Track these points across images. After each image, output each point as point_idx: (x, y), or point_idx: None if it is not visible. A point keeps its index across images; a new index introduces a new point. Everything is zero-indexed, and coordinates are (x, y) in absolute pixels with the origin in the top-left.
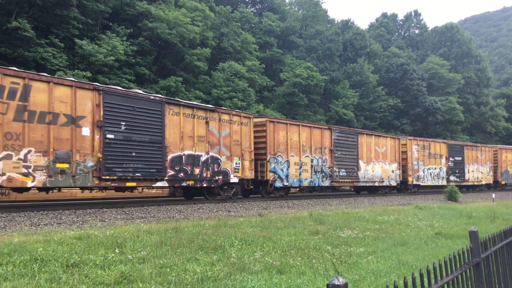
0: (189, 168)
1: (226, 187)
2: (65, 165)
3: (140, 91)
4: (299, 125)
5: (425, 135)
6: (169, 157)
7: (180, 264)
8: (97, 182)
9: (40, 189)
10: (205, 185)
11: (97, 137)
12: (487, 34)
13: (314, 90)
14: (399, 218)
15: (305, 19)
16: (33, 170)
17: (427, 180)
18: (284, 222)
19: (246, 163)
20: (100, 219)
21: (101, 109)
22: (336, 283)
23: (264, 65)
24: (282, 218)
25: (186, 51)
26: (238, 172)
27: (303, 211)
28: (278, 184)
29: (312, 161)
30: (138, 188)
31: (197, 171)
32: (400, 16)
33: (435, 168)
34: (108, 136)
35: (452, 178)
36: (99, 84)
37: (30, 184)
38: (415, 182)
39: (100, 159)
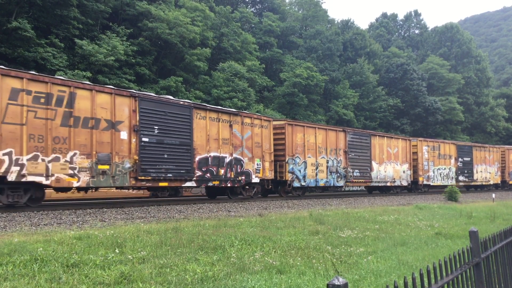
0: (214, 169)
1: (247, 187)
2: (106, 167)
3: (171, 97)
4: (315, 127)
5: (425, 135)
6: (197, 158)
7: (180, 264)
8: (133, 182)
9: (81, 189)
10: (229, 185)
11: (133, 140)
12: (487, 34)
13: (314, 90)
14: (399, 218)
15: (305, 19)
16: (78, 171)
17: (437, 180)
18: (284, 222)
19: (267, 164)
20: (100, 219)
21: (137, 114)
22: (336, 283)
23: (264, 65)
24: (282, 218)
25: (186, 51)
26: (259, 172)
27: (303, 211)
28: (296, 184)
29: (327, 162)
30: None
31: (222, 171)
32: (400, 16)
33: (445, 169)
34: (143, 139)
35: (461, 178)
36: (135, 91)
37: (75, 184)
38: (425, 182)
39: (137, 161)
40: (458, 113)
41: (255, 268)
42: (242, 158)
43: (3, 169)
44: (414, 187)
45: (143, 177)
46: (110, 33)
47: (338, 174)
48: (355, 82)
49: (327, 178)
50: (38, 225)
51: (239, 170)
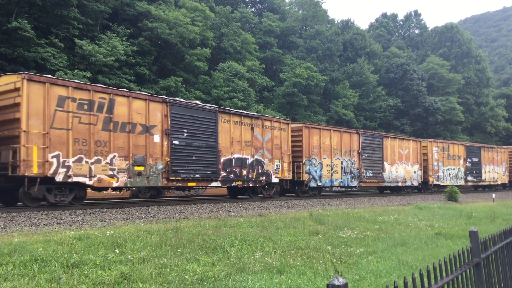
0: (237, 169)
1: (267, 186)
2: (141, 168)
3: (198, 102)
4: (330, 130)
5: (425, 135)
6: (222, 160)
7: (180, 264)
8: (165, 182)
9: (118, 188)
10: (251, 185)
11: (165, 143)
12: (487, 34)
13: (314, 90)
14: (399, 218)
15: (305, 19)
16: (117, 172)
17: (446, 180)
18: (284, 222)
19: (285, 165)
20: (100, 219)
21: (169, 119)
22: (336, 283)
23: (264, 65)
24: (282, 218)
25: (186, 51)
26: (278, 173)
27: (303, 211)
28: (313, 184)
29: (342, 163)
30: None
31: (244, 172)
32: (400, 16)
33: (454, 169)
34: (174, 142)
35: (469, 178)
36: (166, 97)
37: (115, 184)
38: (435, 182)
39: (168, 162)
40: (458, 113)
41: (255, 268)
42: (262, 159)
43: (52, 171)
44: (424, 187)
45: (174, 178)
46: (110, 33)
47: (352, 174)
48: (355, 82)
49: (341, 178)
50: (38, 225)
51: (260, 171)
